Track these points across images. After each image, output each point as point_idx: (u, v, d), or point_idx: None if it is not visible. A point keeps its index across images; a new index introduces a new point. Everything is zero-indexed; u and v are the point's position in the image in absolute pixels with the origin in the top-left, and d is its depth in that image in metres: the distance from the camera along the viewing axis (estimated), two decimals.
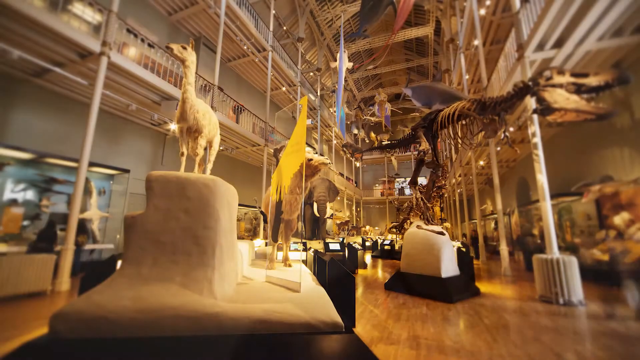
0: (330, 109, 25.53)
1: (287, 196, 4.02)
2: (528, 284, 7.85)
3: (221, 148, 13.67)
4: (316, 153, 4.10)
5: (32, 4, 6.21)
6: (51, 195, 8.11)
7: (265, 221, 11.40)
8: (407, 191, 32.42)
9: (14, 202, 7.47)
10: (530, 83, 4.77)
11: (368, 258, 14.48)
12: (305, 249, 6.95)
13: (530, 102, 6.62)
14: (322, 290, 2.98)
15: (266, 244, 7.24)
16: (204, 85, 10.96)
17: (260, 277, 3.62)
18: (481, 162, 15.29)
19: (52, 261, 5.86)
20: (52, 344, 1.87)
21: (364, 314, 4.91)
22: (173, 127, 10.68)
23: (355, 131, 22.38)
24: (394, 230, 13.33)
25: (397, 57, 29.26)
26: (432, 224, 7.22)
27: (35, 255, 5.75)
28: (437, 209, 13.30)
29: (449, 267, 6.53)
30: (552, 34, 6.90)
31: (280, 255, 5.29)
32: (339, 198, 25.62)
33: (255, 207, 15.58)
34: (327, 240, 10.73)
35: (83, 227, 8.09)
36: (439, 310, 5.23)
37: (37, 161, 8.00)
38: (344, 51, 14.94)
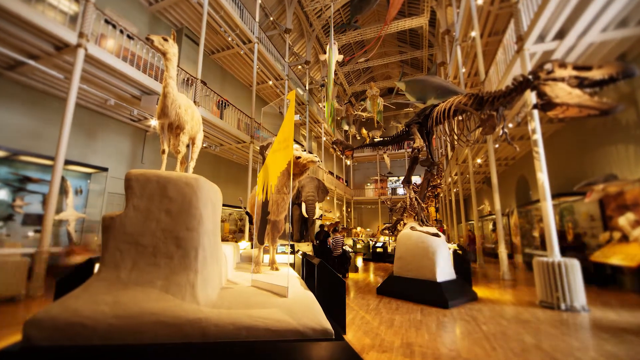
0: (320, 103, 25.50)
1: (274, 196, 4.04)
2: (528, 288, 7.97)
3: (204, 145, 13.60)
4: (304, 150, 4.12)
5: None
6: (25, 194, 7.99)
7: (250, 222, 11.39)
8: (401, 190, 32.56)
9: None
10: (530, 77, 4.77)
11: (359, 261, 14.57)
12: (293, 252, 6.96)
13: (530, 97, 6.68)
14: (310, 295, 3.01)
15: (252, 246, 7.23)
16: (186, 79, 10.88)
17: (246, 281, 3.63)
18: (479, 160, 15.44)
19: (25, 265, 5.82)
20: (26, 352, 1.87)
21: (355, 320, 4.95)
22: (154, 123, 10.59)
23: (346, 127, 22.36)
24: (387, 231, 13.40)
25: (390, 50, 29.35)
26: (426, 225, 7.28)
27: (8, 258, 5.69)
28: (432, 209, 13.40)
29: (445, 271, 6.59)
30: (554, 25, 6.96)
31: (266, 258, 5.30)
32: (328, 198, 25.65)
33: (240, 207, 15.53)
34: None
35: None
36: (434, 316, 5.28)
37: (10, 159, 7.86)
38: (334, 43, 14.96)
